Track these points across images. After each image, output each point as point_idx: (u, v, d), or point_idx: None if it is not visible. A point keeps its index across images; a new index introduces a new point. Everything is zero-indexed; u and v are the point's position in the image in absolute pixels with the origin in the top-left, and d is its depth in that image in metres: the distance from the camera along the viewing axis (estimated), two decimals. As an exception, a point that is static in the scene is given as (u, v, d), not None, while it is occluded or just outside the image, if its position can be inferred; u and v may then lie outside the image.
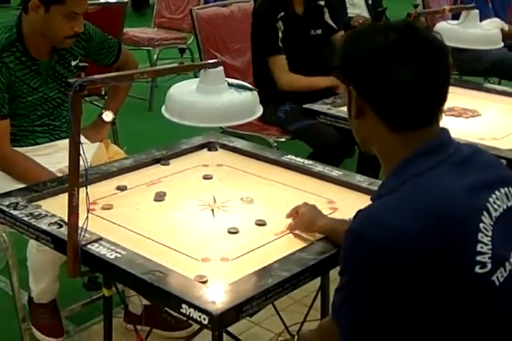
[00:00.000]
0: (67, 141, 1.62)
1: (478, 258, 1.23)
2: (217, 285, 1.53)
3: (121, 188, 2.03)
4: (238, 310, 1.44)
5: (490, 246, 1.25)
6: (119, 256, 1.61)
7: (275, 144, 3.27)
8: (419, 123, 1.33)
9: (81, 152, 1.56)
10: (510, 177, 1.38)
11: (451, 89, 1.36)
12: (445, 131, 1.36)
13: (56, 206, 1.85)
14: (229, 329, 1.80)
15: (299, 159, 2.21)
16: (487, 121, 2.84)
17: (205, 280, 1.54)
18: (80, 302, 2.56)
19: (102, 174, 2.09)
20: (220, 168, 2.19)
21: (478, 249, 1.24)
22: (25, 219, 1.79)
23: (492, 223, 1.27)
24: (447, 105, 1.37)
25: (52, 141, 2.56)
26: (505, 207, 1.31)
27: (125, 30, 4.35)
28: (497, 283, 1.26)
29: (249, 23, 3.40)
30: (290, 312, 2.48)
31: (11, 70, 2.38)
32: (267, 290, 1.50)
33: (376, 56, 1.30)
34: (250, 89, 1.75)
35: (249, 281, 1.53)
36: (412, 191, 1.27)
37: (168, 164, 2.21)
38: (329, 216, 1.82)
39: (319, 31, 3.40)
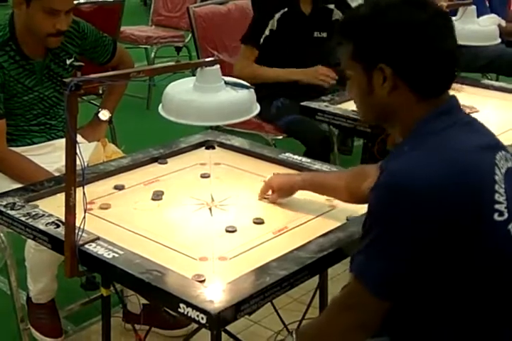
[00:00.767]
0: (63, 140, 1.62)
1: (497, 206, 1.34)
2: (215, 284, 1.53)
3: (119, 187, 2.02)
4: (236, 309, 1.44)
5: (505, 197, 1.35)
6: (116, 255, 1.61)
7: (273, 142, 3.26)
8: (443, 89, 1.44)
9: (78, 151, 1.55)
10: (502, 143, 1.48)
11: (449, 86, 1.42)
12: (454, 97, 1.47)
13: (53, 206, 1.85)
14: (227, 327, 1.80)
15: (296, 157, 2.20)
16: (485, 117, 2.77)
17: (202, 279, 1.54)
18: (79, 302, 2.56)
19: (99, 173, 2.08)
20: (217, 166, 2.18)
21: (496, 198, 1.34)
22: (23, 219, 1.78)
23: (503, 178, 1.37)
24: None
25: (48, 140, 2.55)
26: (506, 167, 1.40)
27: (122, 28, 4.34)
28: None
29: (247, 21, 3.36)
30: (289, 310, 2.49)
31: (4, 70, 2.37)
32: (265, 289, 1.50)
33: (417, 30, 1.37)
34: (247, 87, 1.74)
35: (247, 280, 1.53)
36: (435, 146, 1.36)
37: (166, 163, 2.21)
38: (327, 213, 1.83)
39: (324, 34, 3.29)
